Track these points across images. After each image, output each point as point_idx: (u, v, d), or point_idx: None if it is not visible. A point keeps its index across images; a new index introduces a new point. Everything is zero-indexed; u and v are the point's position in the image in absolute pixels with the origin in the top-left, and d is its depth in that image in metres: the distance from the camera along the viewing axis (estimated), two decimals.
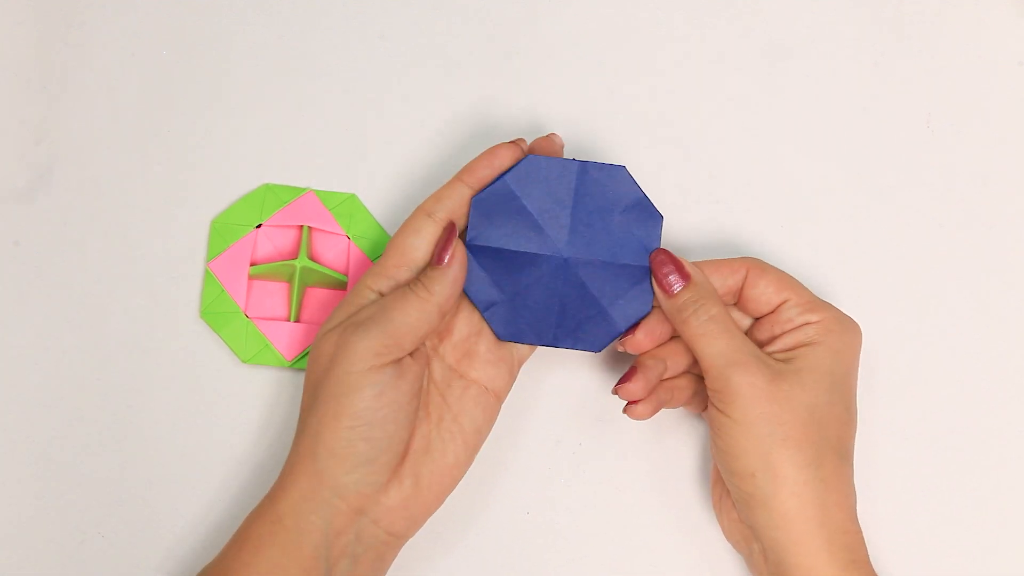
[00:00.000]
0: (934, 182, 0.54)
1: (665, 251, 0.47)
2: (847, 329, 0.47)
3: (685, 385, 0.49)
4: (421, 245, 0.46)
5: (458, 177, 0.47)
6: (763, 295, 0.47)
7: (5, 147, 0.54)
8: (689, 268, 0.47)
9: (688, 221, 0.53)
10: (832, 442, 0.45)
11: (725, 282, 0.48)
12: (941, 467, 0.51)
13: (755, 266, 0.48)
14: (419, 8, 0.55)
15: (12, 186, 0.53)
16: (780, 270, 0.48)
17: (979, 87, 0.55)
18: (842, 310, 0.48)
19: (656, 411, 0.47)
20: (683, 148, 0.54)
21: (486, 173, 0.47)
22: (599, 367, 0.52)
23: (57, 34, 0.55)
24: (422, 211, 0.47)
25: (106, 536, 0.51)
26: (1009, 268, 0.53)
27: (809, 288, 0.48)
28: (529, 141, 0.51)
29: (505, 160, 0.47)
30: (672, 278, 0.46)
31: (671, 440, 0.51)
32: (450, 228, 0.46)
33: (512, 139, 0.49)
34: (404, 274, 0.46)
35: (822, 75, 0.55)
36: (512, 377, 0.48)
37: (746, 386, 0.44)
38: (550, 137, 0.49)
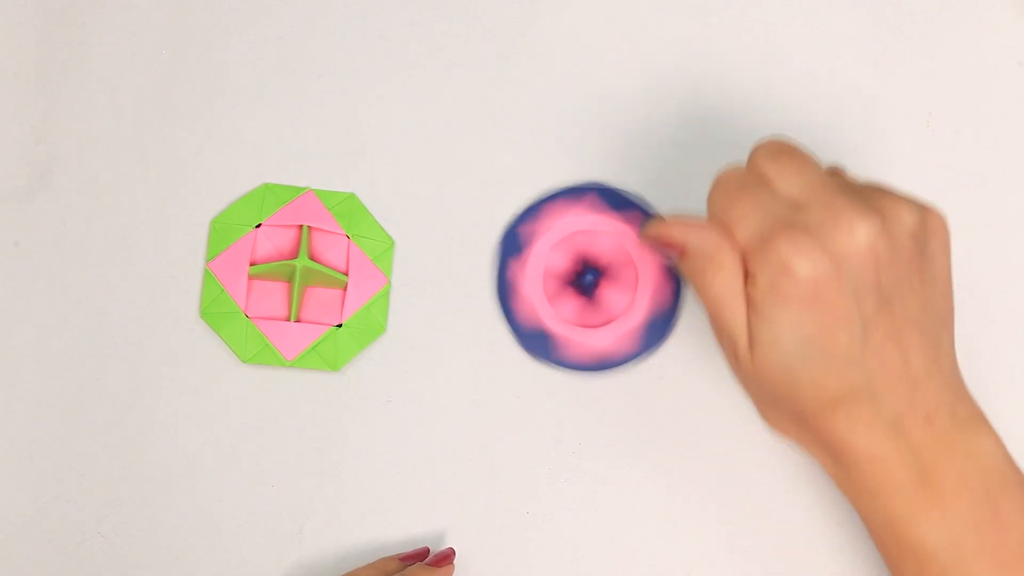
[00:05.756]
0: (934, 182, 0.54)
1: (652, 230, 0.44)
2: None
3: None
4: None
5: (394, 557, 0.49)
6: None
7: (5, 147, 0.54)
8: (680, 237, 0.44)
9: None
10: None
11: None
12: None
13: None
14: (419, 8, 0.55)
15: (12, 186, 0.53)
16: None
17: (979, 87, 0.55)
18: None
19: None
20: (683, 148, 0.54)
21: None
22: None
23: (57, 34, 0.55)
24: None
25: (106, 536, 0.51)
26: (1009, 268, 0.53)
27: None
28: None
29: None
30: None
31: (672, 440, 0.51)
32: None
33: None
34: None
35: (822, 75, 0.55)
36: None
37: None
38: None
